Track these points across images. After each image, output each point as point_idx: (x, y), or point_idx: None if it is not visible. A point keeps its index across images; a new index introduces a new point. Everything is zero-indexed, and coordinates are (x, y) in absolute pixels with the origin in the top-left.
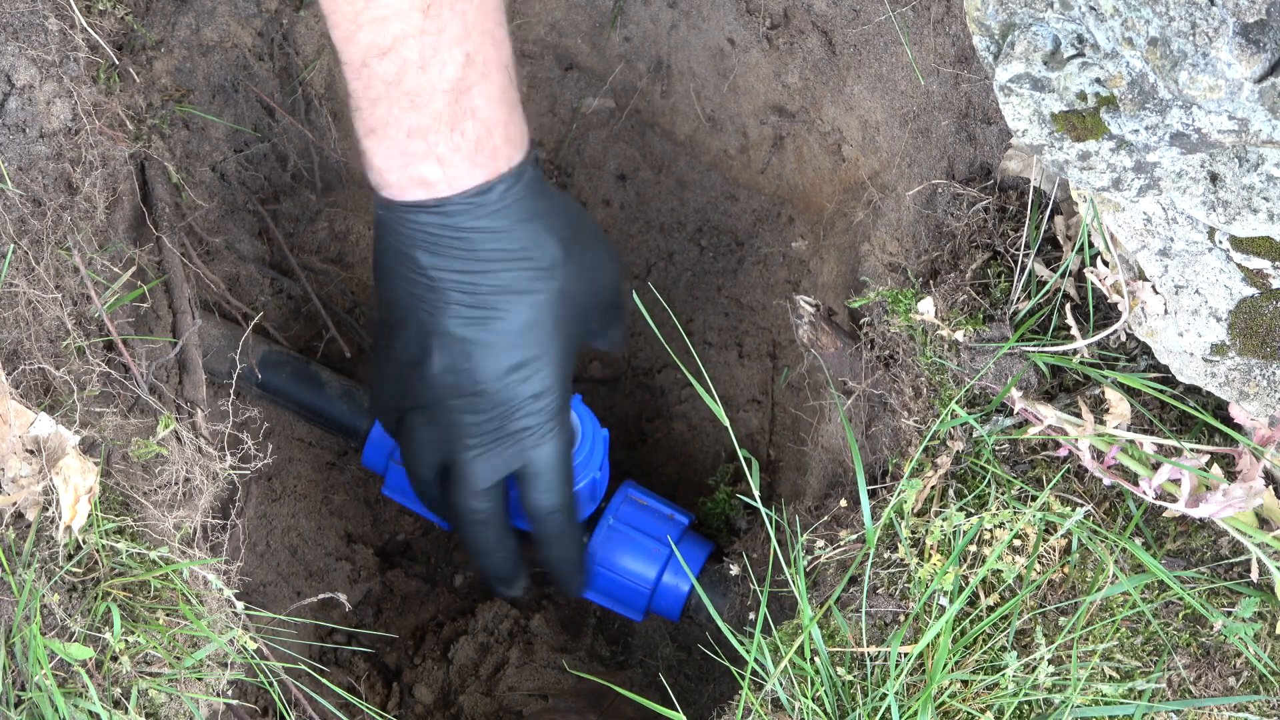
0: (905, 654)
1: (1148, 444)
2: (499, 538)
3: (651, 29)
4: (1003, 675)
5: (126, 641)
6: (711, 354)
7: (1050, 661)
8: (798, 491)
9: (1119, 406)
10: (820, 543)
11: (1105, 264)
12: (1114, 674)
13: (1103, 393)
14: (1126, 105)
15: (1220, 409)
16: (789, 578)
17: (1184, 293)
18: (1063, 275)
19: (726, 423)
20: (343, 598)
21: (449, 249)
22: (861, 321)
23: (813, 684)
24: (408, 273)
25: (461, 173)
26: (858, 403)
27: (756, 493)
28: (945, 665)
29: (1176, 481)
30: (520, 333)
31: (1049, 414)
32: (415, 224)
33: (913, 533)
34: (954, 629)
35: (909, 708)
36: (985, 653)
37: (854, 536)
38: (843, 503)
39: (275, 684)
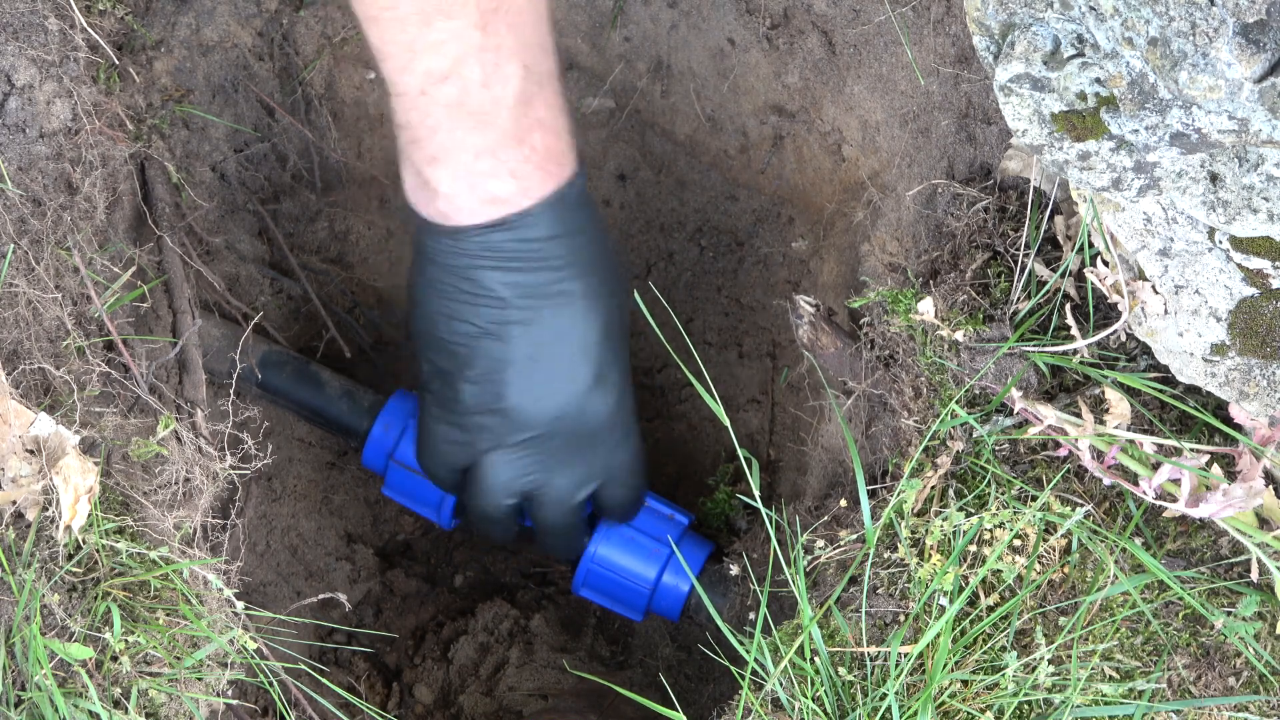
0: (905, 654)
1: (1148, 444)
2: (578, 538)
3: (651, 29)
4: (1003, 675)
5: (126, 641)
6: (711, 354)
7: (1050, 661)
8: (798, 491)
9: (1119, 406)
10: (820, 543)
11: (1105, 264)
12: (1114, 674)
13: (1103, 393)
14: (1126, 105)
15: (1220, 409)
16: (789, 578)
17: (1184, 293)
18: (1063, 275)
19: (727, 423)
20: (343, 598)
21: (522, 263)
22: (861, 321)
23: (813, 684)
24: (473, 302)
25: (535, 183)
26: (858, 403)
27: (756, 493)
28: (945, 665)
29: (1176, 481)
30: (595, 345)
31: (1049, 414)
32: (486, 244)
33: (913, 533)
34: (954, 629)
35: (909, 708)
36: (985, 653)
37: (854, 536)
38: (843, 503)
39: (275, 684)
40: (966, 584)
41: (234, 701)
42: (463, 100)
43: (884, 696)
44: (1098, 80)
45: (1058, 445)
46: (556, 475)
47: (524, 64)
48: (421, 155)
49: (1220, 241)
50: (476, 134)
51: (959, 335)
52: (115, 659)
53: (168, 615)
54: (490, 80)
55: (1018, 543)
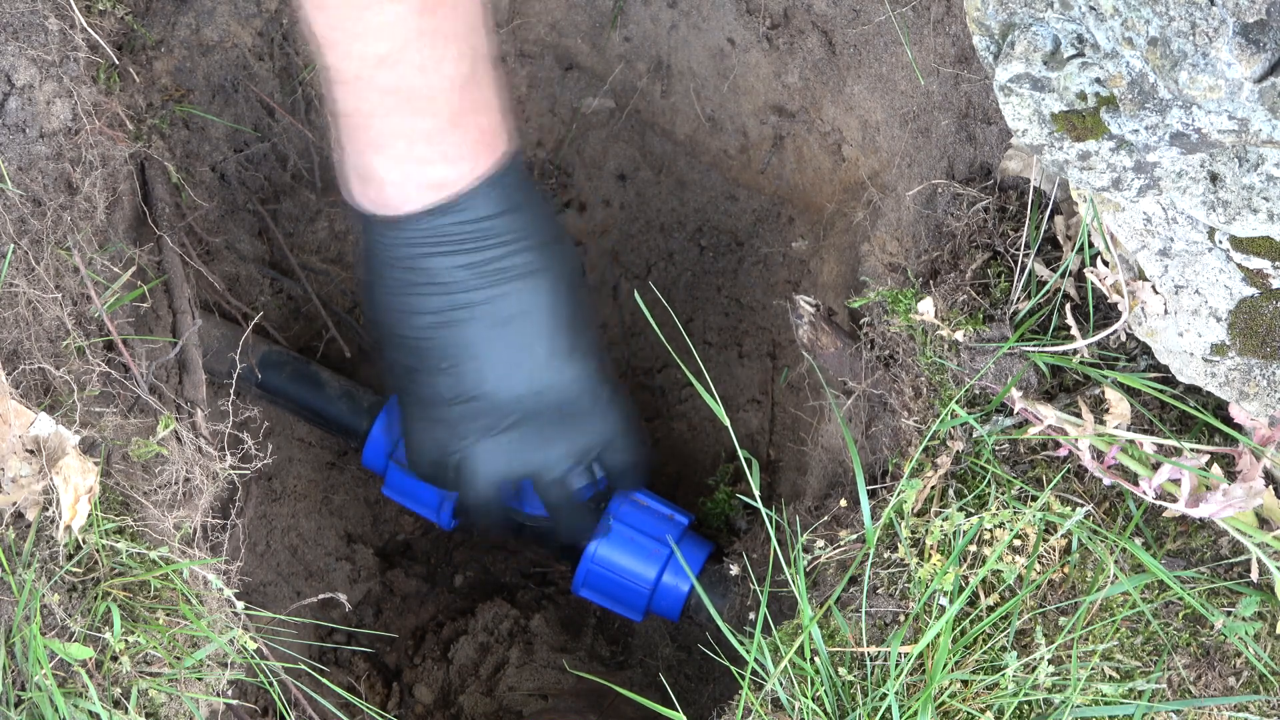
0: (905, 654)
1: (1148, 444)
2: (585, 515)
3: (651, 29)
4: (1003, 675)
5: (126, 641)
6: (711, 354)
7: (1050, 661)
8: (798, 491)
9: (1119, 406)
10: (820, 543)
11: (1105, 264)
12: (1114, 674)
13: (1103, 393)
14: (1126, 105)
15: (1220, 409)
16: (789, 578)
17: (1184, 293)
18: (1063, 275)
19: (727, 422)
20: (343, 598)
21: (471, 244)
22: (861, 321)
23: (813, 684)
24: (424, 292)
25: (475, 164)
26: (858, 403)
27: (756, 493)
28: (945, 665)
29: (1176, 481)
30: (558, 315)
31: (1049, 414)
32: (431, 230)
33: (913, 533)
34: (954, 629)
35: (909, 708)
36: (985, 653)
37: (854, 536)
38: (843, 503)
39: (275, 684)
40: (966, 584)
41: (234, 701)
42: (400, 85)
43: (884, 696)
44: (1098, 80)
45: (1058, 445)
46: (544, 453)
47: (462, 47)
48: (362, 142)
49: (1220, 241)
50: (415, 119)
51: (959, 335)
52: (115, 659)
53: (168, 615)
54: (428, 65)
55: (1018, 543)
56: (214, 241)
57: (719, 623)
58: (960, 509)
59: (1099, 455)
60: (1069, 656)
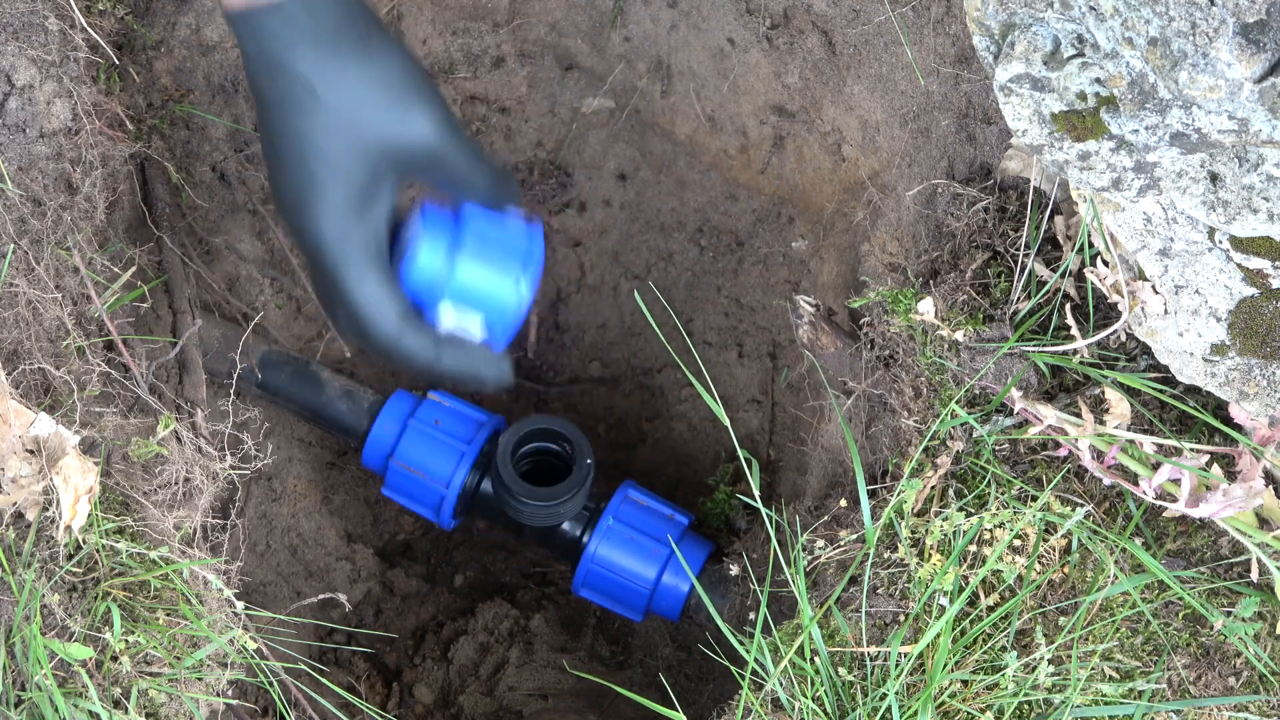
0: (905, 654)
1: (1148, 444)
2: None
3: (651, 29)
4: (1003, 675)
5: (126, 641)
6: (711, 354)
7: (1050, 661)
8: (798, 491)
9: (1119, 406)
10: (820, 543)
11: (1105, 264)
12: (1114, 674)
13: (1103, 393)
14: (1126, 105)
15: (1220, 409)
16: (789, 578)
17: (1184, 293)
18: (1063, 275)
19: (727, 423)
20: (343, 598)
21: (258, 52)
22: (861, 321)
23: (813, 684)
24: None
25: None
26: (858, 403)
27: (756, 493)
28: (945, 665)
29: (1176, 481)
30: (295, 153)
31: (1049, 414)
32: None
33: (913, 533)
34: (954, 629)
35: (909, 708)
36: (985, 653)
37: (854, 536)
38: (843, 503)
39: (275, 684)
40: (966, 584)
41: (234, 701)
42: None
43: (884, 696)
44: (1098, 80)
45: (1058, 445)
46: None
47: None
48: None
49: (1220, 241)
50: None
51: (959, 335)
52: (115, 659)
53: (168, 615)
54: None
55: (1018, 543)
56: (214, 241)
57: (719, 623)
58: (960, 509)
59: (1099, 455)
60: (1069, 656)
